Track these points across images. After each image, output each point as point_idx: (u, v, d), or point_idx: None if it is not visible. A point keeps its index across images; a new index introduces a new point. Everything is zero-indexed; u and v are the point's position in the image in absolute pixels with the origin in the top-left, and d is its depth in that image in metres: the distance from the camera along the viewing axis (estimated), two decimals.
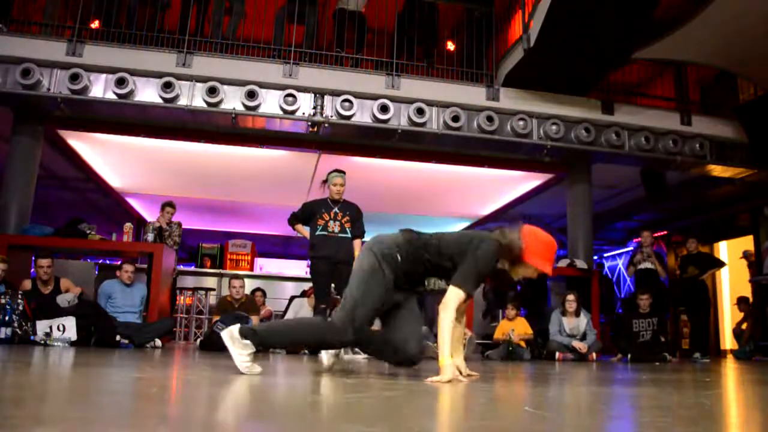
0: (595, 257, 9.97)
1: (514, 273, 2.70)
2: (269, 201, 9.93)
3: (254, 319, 5.78)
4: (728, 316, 9.38)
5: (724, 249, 9.77)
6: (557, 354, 5.83)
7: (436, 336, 4.82)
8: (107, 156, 8.06)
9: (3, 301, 4.83)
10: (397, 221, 10.51)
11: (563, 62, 6.36)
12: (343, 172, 5.18)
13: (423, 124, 6.50)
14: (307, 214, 5.15)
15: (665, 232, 10.45)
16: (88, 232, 6.09)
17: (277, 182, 8.92)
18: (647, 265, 6.92)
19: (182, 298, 7.89)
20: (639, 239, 7.50)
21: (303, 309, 5.98)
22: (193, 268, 9.21)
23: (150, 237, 6.35)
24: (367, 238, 5.25)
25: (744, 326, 8.02)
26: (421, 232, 2.77)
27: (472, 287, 2.63)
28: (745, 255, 8.42)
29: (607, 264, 12.07)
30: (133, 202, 10.28)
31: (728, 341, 9.18)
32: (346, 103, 6.36)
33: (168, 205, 6.61)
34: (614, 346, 6.60)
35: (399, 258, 2.63)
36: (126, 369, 2.95)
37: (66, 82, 5.88)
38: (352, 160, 7.48)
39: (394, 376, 2.84)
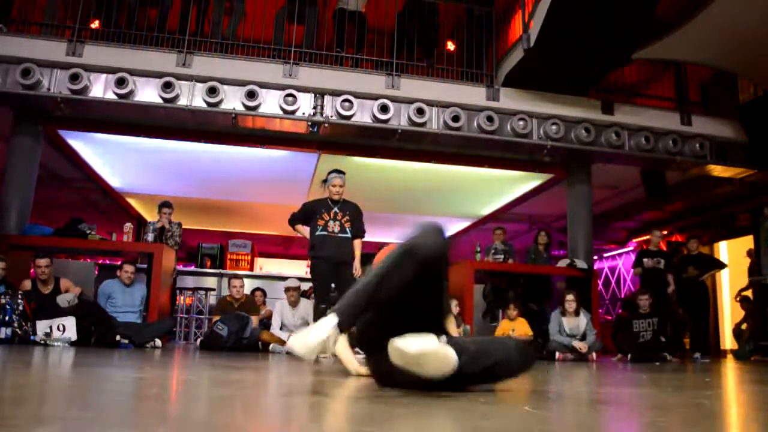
0: (595, 257, 9.98)
1: None
2: (269, 201, 9.93)
3: (254, 319, 5.78)
4: (728, 316, 9.38)
5: (724, 249, 9.77)
6: (557, 354, 5.83)
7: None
8: (107, 156, 8.06)
9: (3, 301, 4.83)
10: (397, 221, 10.53)
11: (563, 62, 6.36)
12: (343, 173, 5.17)
13: (423, 124, 6.50)
14: (307, 214, 5.15)
15: (665, 232, 10.45)
16: (88, 232, 6.09)
17: (277, 182, 8.92)
18: (659, 266, 6.89)
19: (182, 298, 7.89)
20: (648, 237, 7.44)
21: (298, 309, 5.96)
22: (193, 268, 9.21)
23: (150, 237, 6.35)
24: (367, 238, 5.25)
25: (744, 326, 8.02)
26: None
27: None
28: (750, 253, 8.41)
29: (606, 264, 12.07)
30: (133, 202, 10.28)
31: (728, 341, 9.18)
32: (346, 103, 6.36)
33: (165, 206, 6.60)
34: (614, 346, 6.60)
35: None
36: (126, 369, 2.94)
37: (66, 82, 5.89)
38: (352, 160, 7.48)
39: None
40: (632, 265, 7.43)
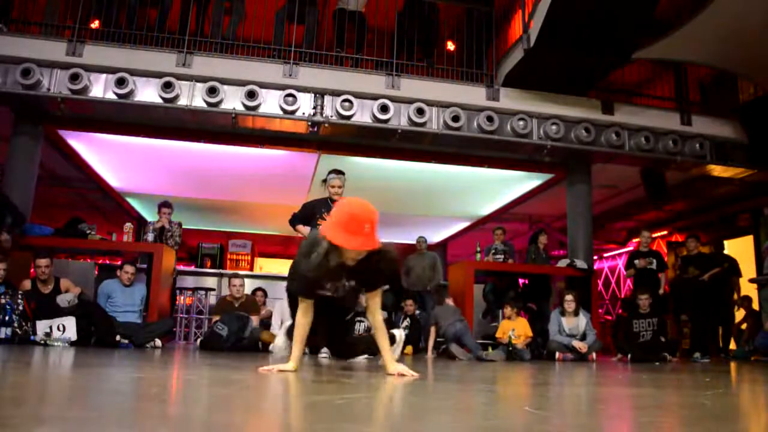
0: (595, 257, 9.97)
1: (344, 258, 2.63)
2: (269, 201, 9.93)
3: (254, 319, 5.78)
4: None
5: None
6: (557, 354, 5.83)
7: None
8: (107, 156, 8.06)
9: (3, 301, 4.83)
10: (397, 221, 10.54)
11: (563, 62, 6.36)
12: (342, 173, 5.16)
13: (423, 124, 6.50)
14: (307, 214, 5.14)
15: (665, 232, 10.45)
16: (88, 232, 6.09)
17: (277, 182, 8.92)
18: (651, 266, 6.90)
19: (182, 298, 7.89)
20: (638, 239, 7.46)
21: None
22: (193, 268, 9.21)
23: (150, 237, 6.34)
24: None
25: (743, 326, 8.01)
26: None
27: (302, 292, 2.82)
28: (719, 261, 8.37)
29: (606, 264, 12.07)
30: (133, 202, 10.28)
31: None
32: (346, 103, 6.36)
33: (164, 206, 6.60)
34: (614, 346, 6.59)
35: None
36: (126, 369, 2.95)
37: (66, 82, 5.88)
38: (352, 160, 7.48)
39: (395, 376, 2.83)
40: (624, 267, 7.44)
